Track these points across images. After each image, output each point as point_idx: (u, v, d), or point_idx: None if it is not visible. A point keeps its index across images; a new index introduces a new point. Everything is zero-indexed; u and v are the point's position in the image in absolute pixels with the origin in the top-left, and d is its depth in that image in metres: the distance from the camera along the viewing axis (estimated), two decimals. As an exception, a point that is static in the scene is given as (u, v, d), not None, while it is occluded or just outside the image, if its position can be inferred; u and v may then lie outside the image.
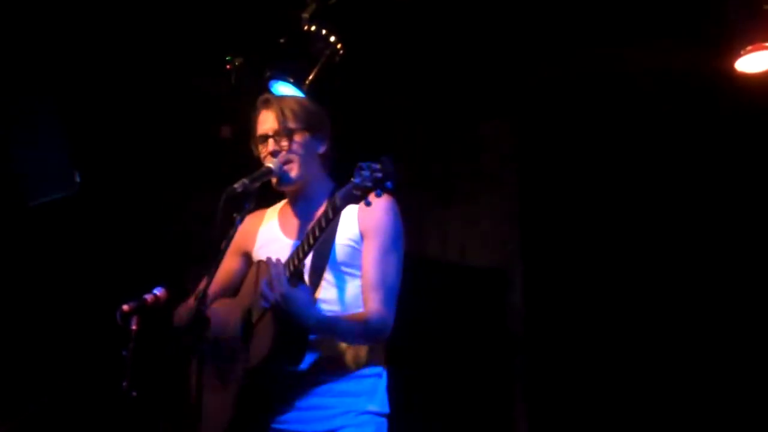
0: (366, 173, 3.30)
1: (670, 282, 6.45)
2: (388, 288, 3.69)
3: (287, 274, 3.53)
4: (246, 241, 4.03)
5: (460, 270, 7.27)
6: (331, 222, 3.51)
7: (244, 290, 3.93)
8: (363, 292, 3.71)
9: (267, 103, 3.95)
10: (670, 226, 6.54)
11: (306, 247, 3.57)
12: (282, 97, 4.23)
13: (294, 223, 3.94)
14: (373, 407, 3.74)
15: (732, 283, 6.23)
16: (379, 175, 3.28)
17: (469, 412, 6.69)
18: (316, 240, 3.56)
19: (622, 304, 6.58)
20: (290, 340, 3.59)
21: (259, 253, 3.94)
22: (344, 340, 3.69)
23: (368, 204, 3.36)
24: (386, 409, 3.81)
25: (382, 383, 3.82)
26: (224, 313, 3.89)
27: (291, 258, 3.60)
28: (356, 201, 3.38)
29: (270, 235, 3.98)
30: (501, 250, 7.31)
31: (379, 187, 3.30)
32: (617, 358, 6.55)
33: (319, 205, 3.85)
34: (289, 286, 3.47)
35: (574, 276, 6.86)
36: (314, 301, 3.65)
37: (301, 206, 3.94)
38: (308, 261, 3.71)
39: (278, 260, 3.56)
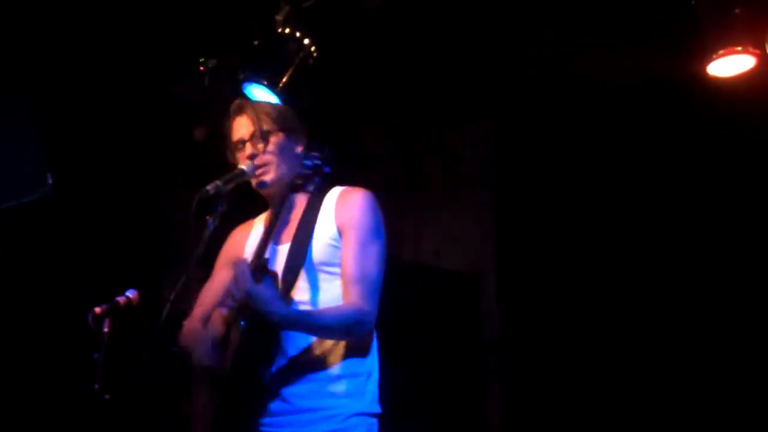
0: (307, 162, 3.53)
1: (644, 285, 6.48)
2: (368, 281, 3.65)
3: (250, 270, 3.49)
4: (236, 252, 4.00)
5: (434, 273, 7.28)
6: (279, 214, 3.59)
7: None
8: (342, 286, 3.67)
9: (240, 109, 3.94)
10: (644, 230, 6.57)
11: (264, 241, 3.58)
12: (254, 102, 4.21)
13: (279, 226, 3.87)
14: (362, 408, 3.68)
15: (709, 286, 6.25)
16: (318, 162, 3.52)
17: (444, 412, 6.70)
18: (272, 231, 3.60)
19: (596, 306, 6.61)
20: (258, 340, 3.58)
21: None
22: (319, 335, 3.63)
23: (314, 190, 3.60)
24: (376, 409, 3.75)
25: (372, 383, 3.76)
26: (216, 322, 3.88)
27: (253, 254, 3.59)
28: (300, 189, 3.59)
29: (256, 243, 3.96)
30: (475, 253, 7.32)
31: (319, 174, 3.55)
32: (590, 359, 6.58)
33: (301, 205, 3.85)
34: (252, 283, 3.43)
35: (548, 279, 6.88)
36: (289, 300, 3.64)
37: (282, 209, 3.91)
38: (284, 261, 3.70)
39: (243, 260, 3.55)
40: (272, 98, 5.26)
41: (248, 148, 3.85)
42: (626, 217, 6.64)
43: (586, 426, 6.52)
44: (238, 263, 3.52)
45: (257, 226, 4.03)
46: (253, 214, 4.13)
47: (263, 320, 3.48)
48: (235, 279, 3.47)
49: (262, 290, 3.45)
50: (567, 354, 6.69)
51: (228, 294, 3.57)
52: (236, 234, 4.00)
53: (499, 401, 6.99)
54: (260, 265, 3.53)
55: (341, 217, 3.75)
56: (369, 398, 3.73)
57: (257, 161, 3.82)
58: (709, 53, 4.88)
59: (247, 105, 3.97)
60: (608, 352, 6.52)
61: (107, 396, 3.78)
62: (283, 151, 3.86)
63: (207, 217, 3.64)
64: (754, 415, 5.97)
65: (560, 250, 6.88)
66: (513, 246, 7.18)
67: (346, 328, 3.63)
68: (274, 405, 3.64)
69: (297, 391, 3.64)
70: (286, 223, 3.82)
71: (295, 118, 3.98)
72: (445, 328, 6.92)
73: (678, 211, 6.44)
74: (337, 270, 3.71)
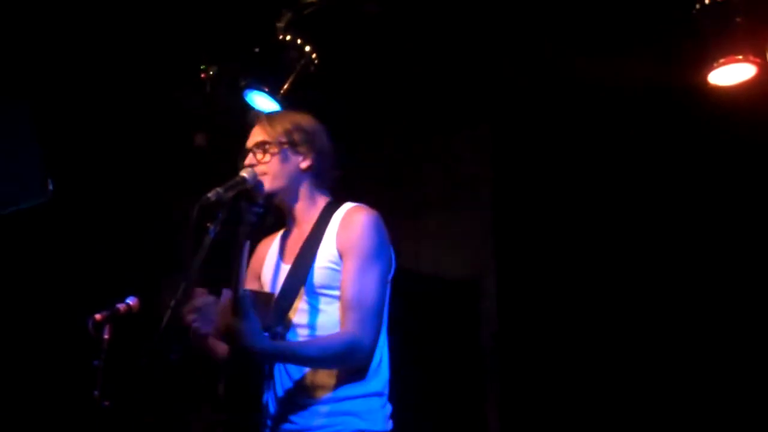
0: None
1: (643, 288, 6.48)
2: (366, 308, 3.59)
3: (231, 302, 3.40)
4: (259, 266, 3.99)
5: (433, 280, 7.27)
6: (241, 251, 3.47)
7: None
8: (340, 311, 3.62)
9: (256, 120, 3.92)
10: (643, 235, 6.58)
11: (236, 270, 3.48)
12: (277, 112, 4.16)
13: (288, 244, 3.88)
14: (367, 426, 3.63)
15: (708, 291, 6.26)
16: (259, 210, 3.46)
17: (444, 415, 6.70)
18: (239, 266, 3.49)
19: (596, 309, 6.61)
20: (242, 368, 3.57)
21: (264, 278, 3.91)
22: (308, 366, 3.59)
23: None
24: (383, 427, 3.70)
25: (379, 402, 3.71)
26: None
27: (232, 284, 3.48)
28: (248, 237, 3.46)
29: (270, 259, 3.92)
30: (475, 257, 7.33)
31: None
32: (590, 361, 6.58)
33: (310, 223, 3.83)
34: (232, 317, 3.35)
35: (547, 282, 6.88)
36: (288, 322, 3.62)
37: (293, 226, 3.88)
38: (280, 284, 3.70)
39: (227, 291, 3.43)
40: (273, 105, 5.27)
41: (249, 158, 3.84)
42: (626, 221, 6.65)
43: (585, 427, 6.52)
44: (225, 293, 3.44)
45: (276, 240, 4.00)
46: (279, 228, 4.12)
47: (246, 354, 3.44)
48: (219, 312, 3.41)
49: (242, 325, 3.36)
50: (566, 356, 6.70)
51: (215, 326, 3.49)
52: (261, 247, 3.98)
53: (499, 404, 6.99)
54: (239, 297, 3.41)
55: (342, 240, 3.69)
56: (375, 416, 3.68)
57: (255, 170, 3.81)
58: (709, 62, 4.90)
59: (264, 116, 3.95)
60: (607, 355, 6.52)
61: (107, 403, 3.77)
62: (282, 163, 3.83)
63: (208, 224, 3.61)
64: (753, 414, 5.98)
65: (560, 254, 6.89)
66: (512, 249, 7.18)
67: (338, 358, 3.56)
68: (278, 426, 3.63)
69: (304, 411, 3.61)
70: (294, 239, 3.81)
71: (307, 132, 3.92)
72: (445, 331, 6.93)
73: (677, 217, 6.45)
74: (337, 293, 3.66)
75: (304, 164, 3.87)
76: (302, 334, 3.64)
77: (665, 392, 6.31)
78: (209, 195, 3.60)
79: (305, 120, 3.96)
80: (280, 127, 3.86)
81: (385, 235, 3.76)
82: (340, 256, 3.68)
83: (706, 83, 5.02)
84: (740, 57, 4.84)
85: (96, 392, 3.78)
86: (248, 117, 3.99)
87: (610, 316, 6.56)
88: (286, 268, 3.76)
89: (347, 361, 3.59)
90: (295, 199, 3.85)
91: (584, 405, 6.55)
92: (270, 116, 3.96)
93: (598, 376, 6.55)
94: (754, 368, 6.06)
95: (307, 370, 3.63)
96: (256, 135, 3.87)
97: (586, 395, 6.56)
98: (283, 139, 3.84)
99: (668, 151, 6.51)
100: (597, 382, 6.54)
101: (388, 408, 3.75)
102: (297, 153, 3.86)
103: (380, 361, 3.74)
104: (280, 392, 3.64)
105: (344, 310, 3.60)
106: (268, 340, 3.48)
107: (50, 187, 5.28)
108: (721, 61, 4.85)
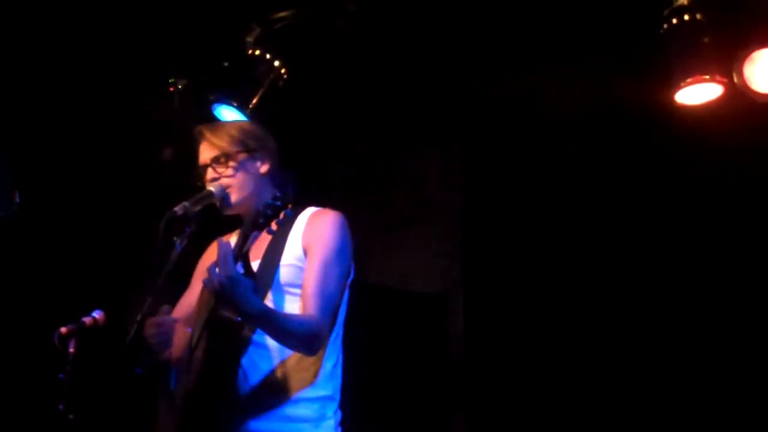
0: (268, 201, 3.40)
1: (610, 310, 6.50)
2: (327, 298, 3.62)
3: (233, 255, 3.39)
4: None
5: (401, 296, 7.26)
6: (241, 250, 3.48)
7: (194, 315, 3.90)
8: (301, 300, 3.64)
9: (200, 135, 3.92)
10: (612, 256, 6.59)
11: (244, 237, 3.51)
12: (215, 125, 4.16)
13: (252, 245, 3.89)
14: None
15: (675, 315, 6.30)
16: (278, 203, 3.38)
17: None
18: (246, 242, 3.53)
19: (564, 331, 6.62)
20: (221, 360, 3.54)
21: None
22: (278, 338, 3.56)
23: (271, 232, 3.50)
24: None
25: (332, 408, 3.72)
26: (178, 338, 3.84)
27: (236, 246, 3.50)
28: (261, 228, 3.44)
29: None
30: (442, 277, 7.32)
31: (278, 213, 3.39)
32: (556, 383, 6.59)
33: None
34: (235, 270, 3.34)
35: (515, 303, 6.89)
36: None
37: (255, 227, 3.89)
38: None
39: (227, 242, 3.45)
40: (242, 119, 5.26)
41: (210, 173, 3.85)
42: (594, 240, 6.66)
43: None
44: (223, 244, 3.38)
45: (234, 242, 4.00)
46: (230, 229, 4.12)
47: (235, 309, 3.40)
48: (218, 261, 3.35)
49: (243, 279, 3.36)
50: (533, 374, 6.70)
51: (207, 275, 3.42)
52: (213, 250, 3.97)
53: (466, 421, 6.98)
54: (245, 255, 3.47)
55: (308, 237, 3.74)
56: (329, 424, 3.69)
57: (220, 183, 3.82)
58: (677, 81, 4.93)
59: (205, 130, 3.94)
60: (576, 374, 6.53)
61: (72, 416, 3.75)
62: (244, 172, 3.86)
63: (174, 238, 3.62)
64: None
65: (528, 273, 6.90)
66: (481, 268, 7.18)
67: (304, 339, 3.56)
68: (238, 425, 3.60)
69: (260, 413, 3.60)
70: (258, 240, 3.81)
71: (259, 137, 3.98)
72: (412, 351, 6.91)
73: (645, 236, 6.48)
74: (300, 291, 3.68)
75: (264, 168, 3.91)
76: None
77: (635, 410, 6.33)
78: (176, 209, 3.61)
79: (249, 125, 4.01)
80: (229, 137, 3.89)
81: (349, 238, 3.80)
82: (305, 253, 3.71)
83: (674, 102, 5.06)
84: (707, 77, 4.88)
85: (61, 405, 3.75)
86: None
87: (579, 335, 6.57)
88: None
89: (309, 344, 3.59)
90: (259, 202, 3.85)
91: (552, 423, 6.56)
92: (212, 129, 3.97)
93: (566, 394, 6.56)
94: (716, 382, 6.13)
95: (266, 372, 3.63)
96: (208, 151, 3.89)
97: (553, 413, 6.57)
98: (239, 148, 3.87)
99: (637, 171, 6.54)
100: (564, 399, 6.55)
101: (339, 414, 3.76)
102: (254, 159, 3.89)
103: (335, 364, 3.77)
104: (237, 393, 3.60)
105: (307, 297, 3.61)
106: (259, 300, 3.48)
107: (17, 199, 5.25)
108: (689, 80, 4.89)
